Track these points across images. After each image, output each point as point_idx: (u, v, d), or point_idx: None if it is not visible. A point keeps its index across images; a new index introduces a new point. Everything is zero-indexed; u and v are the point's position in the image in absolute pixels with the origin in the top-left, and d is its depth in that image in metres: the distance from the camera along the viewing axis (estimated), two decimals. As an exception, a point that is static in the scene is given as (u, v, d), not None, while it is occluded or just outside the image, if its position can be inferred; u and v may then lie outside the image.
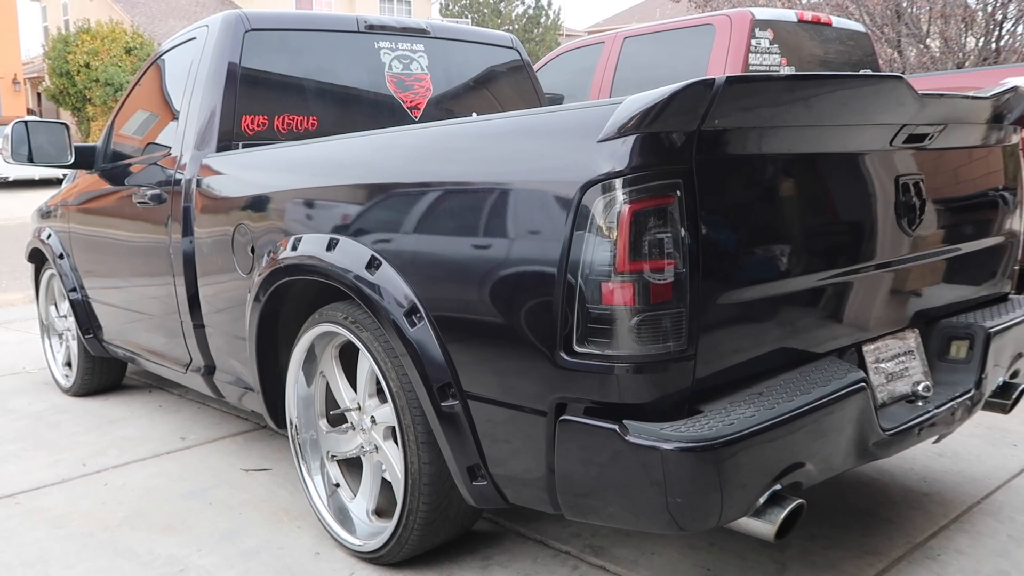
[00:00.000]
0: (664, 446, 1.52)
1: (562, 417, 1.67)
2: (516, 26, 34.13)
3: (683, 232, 1.55)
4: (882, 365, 2.05)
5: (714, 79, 1.48)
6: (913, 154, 2.05)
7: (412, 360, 1.95)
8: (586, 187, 1.57)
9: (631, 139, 1.53)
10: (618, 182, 1.53)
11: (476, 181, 1.82)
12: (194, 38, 3.25)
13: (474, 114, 3.63)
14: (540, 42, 32.68)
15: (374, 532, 2.31)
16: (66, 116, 24.78)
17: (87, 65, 20.67)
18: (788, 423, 1.62)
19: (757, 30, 4.82)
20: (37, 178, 18.64)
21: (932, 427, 2.04)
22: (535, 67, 6.23)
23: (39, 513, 2.80)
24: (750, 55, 4.79)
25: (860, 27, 5.71)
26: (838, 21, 5.43)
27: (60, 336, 4.46)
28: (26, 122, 3.58)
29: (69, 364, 4.34)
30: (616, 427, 1.57)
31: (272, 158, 2.63)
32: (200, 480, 3.02)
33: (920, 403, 2.05)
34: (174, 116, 3.25)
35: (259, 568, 2.34)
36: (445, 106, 3.54)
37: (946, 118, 2.03)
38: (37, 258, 4.50)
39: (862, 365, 2.00)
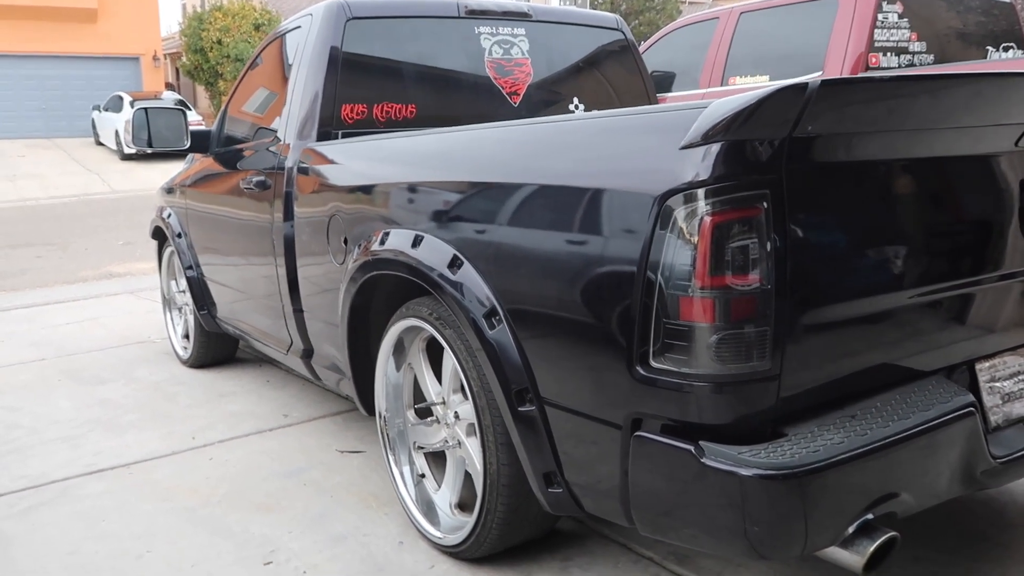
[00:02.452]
0: (742, 471, 1.44)
1: (637, 433, 1.61)
2: (636, -5, 33.28)
3: (769, 246, 1.45)
4: (997, 384, 1.88)
5: (807, 83, 1.37)
6: (1041, 155, 1.86)
7: (490, 361, 1.92)
8: (666, 196, 1.49)
9: (716, 146, 1.44)
10: (700, 192, 1.45)
11: (555, 183, 1.76)
12: (299, 27, 3.31)
13: (575, 100, 3.55)
14: (661, 11, 31.79)
15: (456, 526, 2.32)
16: (200, 91, 26.03)
17: (219, 42, 21.61)
18: (881, 451, 1.51)
19: (884, 3, 4.50)
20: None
21: (1053, 454, 1.86)
22: (645, 45, 6.06)
23: (149, 485, 2.95)
24: (876, 31, 4.48)
25: (1003, -4, 5.27)
26: (977, -10, 5.02)
27: (180, 310, 4.69)
28: (146, 109, 3.75)
29: (187, 336, 4.56)
30: (692, 448, 1.50)
31: (364, 150, 2.65)
32: (298, 460, 3.11)
33: (1040, 428, 1.88)
34: (280, 103, 3.32)
35: (345, 554, 2.39)
36: (546, 91, 3.48)
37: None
38: (159, 235, 4.74)
39: (974, 384, 1.84)
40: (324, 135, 2.98)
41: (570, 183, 1.72)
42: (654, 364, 1.55)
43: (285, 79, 3.33)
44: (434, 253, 2.09)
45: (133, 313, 6.11)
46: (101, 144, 22.98)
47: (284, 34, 3.50)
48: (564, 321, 1.74)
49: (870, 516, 1.55)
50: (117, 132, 20.86)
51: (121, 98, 21.51)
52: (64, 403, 3.96)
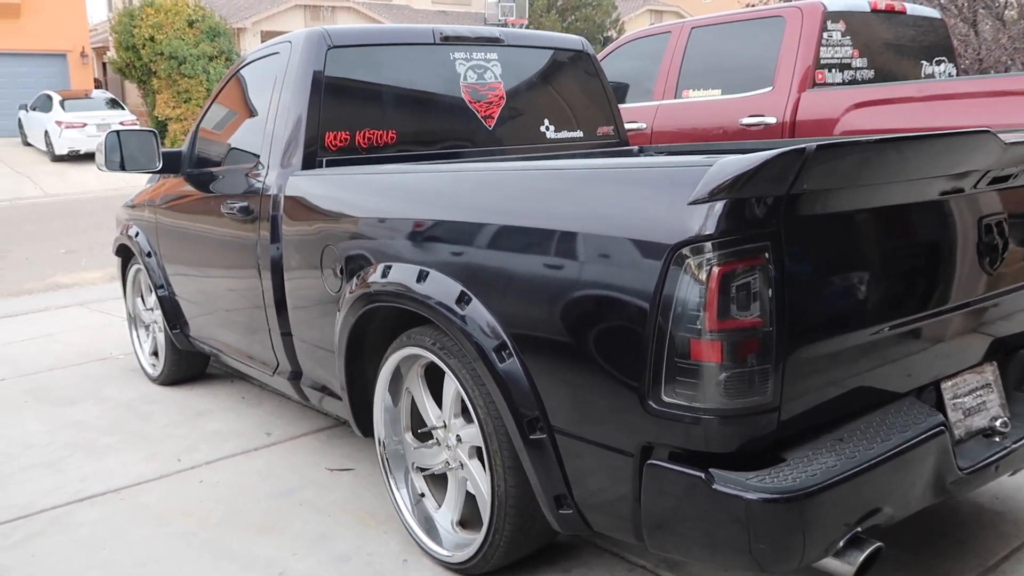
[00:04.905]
0: (749, 496, 1.60)
1: (649, 461, 1.75)
2: (572, -10, 33.55)
3: (770, 292, 1.61)
4: (960, 400, 2.08)
5: (804, 147, 1.53)
6: (995, 194, 2.06)
7: (501, 393, 2.05)
8: (677, 247, 1.64)
9: (721, 203, 1.59)
10: (708, 245, 1.60)
11: (567, 228, 1.89)
12: (277, 53, 3.36)
13: (546, 121, 3.68)
14: (597, 7, 32.20)
15: (460, 544, 2.44)
16: (132, 89, 25.36)
17: (152, 39, 21.06)
18: (868, 471, 1.69)
19: (829, 22, 4.74)
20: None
21: (1011, 463, 2.07)
22: (600, 56, 6.23)
23: (143, 510, 3.00)
24: (821, 48, 4.72)
25: (935, 13, 5.56)
26: (912, 8, 5.30)
27: (147, 327, 4.68)
28: (118, 132, 3.75)
29: (156, 354, 4.56)
30: (702, 475, 1.66)
31: (360, 183, 2.74)
32: (288, 479, 3.19)
33: (997, 439, 2.09)
34: (260, 129, 3.37)
35: (352, 574, 2.49)
36: (518, 113, 3.60)
37: (1030, 159, 2.04)
38: (124, 252, 4.72)
39: (940, 402, 2.04)
40: (309, 162, 3.05)
41: (581, 228, 1.86)
42: (665, 398, 1.69)
43: (263, 105, 3.38)
44: (440, 288, 2.20)
45: (88, 327, 6.03)
46: (29, 145, 22.24)
47: (258, 59, 3.55)
48: (577, 359, 1.88)
49: (859, 529, 1.73)
50: (47, 132, 20.24)
51: (50, 97, 20.89)
52: (35, 426, 3.94)
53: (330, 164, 3.07)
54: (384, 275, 2.41)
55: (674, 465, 1.71)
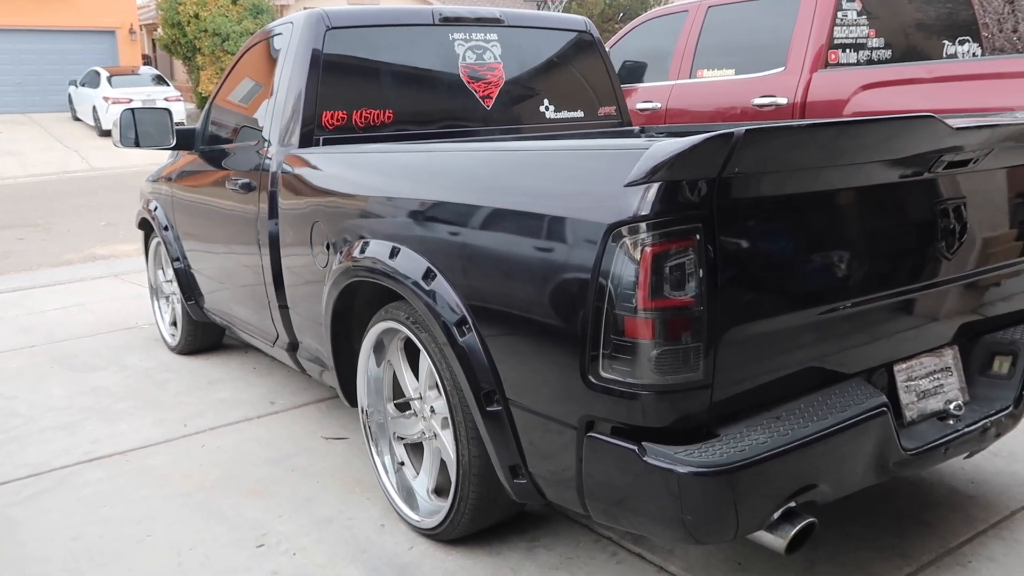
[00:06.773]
0: (678, 469, 1.66)
1: (589, 434, 1.82)
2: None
3: (701, 273, 1.66)
4: (914, 383, 2.11)
5: (732, 132, 1.57)
6: (954, 178, 2.07)
7: (461, 365, 2.13)
8: (612, 227, 1.69)
9: (655, 186, 1.63)
10: (642, 225, 1.65)
11: (515, 208, 1.96)
12: (280, 34, 3.45)
13: (546, 101, 3.72)
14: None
15: (433, 510, 2.54)
16: (178, 65, 25.81)
17: (196, 16, 21.44)
18: (799, 449, 1.73)
19: (844, 1, 4.69)
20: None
21: (961, 445, 2.09)
22: (619, 34, 6.23)
23: (146, 472, 3.15)
24: (836, 28, 4.67)
25: (960, -10, 5.45)
26: (935, -15, 5.21)
27: (167, 298, 4.85)
28: (132, 110, 3.88)
29: (175, 324, 4.73)
30: (635, 448, 1.72)
31: (344, 160, 2.83)
32: (285, 446, 3.31)
33: (951, 421, 2.11)
34: (263, 107, 3.47)
35: (331, 536, 2.61)
36: (517, 93, 3.65)
37: (990, 144, 2.04)
38: (146, 226, 4.88)
39: (891, 384, 2.06)
40: (306, 140, 3.14)
41: (527, 208, 1.93)
42: (603, 373, 1.76)
43: (267, 84, 3.48)
44: (410, 264, 2.28)
45: (119, 297, 6.25)
46: (78, 120, 22.83)
47: (264, 40, 3.64)
48: (526, 333, 1.95)
49: (792, 504, 1.77)
50: (95, 108, 20.75)
51: (98, 73, 21.38)
52: (57, 391, 4.13)
53: (327, 143, 3.16)
54: (362, 251, 2.50)
55: (610, 438, 1.78)
